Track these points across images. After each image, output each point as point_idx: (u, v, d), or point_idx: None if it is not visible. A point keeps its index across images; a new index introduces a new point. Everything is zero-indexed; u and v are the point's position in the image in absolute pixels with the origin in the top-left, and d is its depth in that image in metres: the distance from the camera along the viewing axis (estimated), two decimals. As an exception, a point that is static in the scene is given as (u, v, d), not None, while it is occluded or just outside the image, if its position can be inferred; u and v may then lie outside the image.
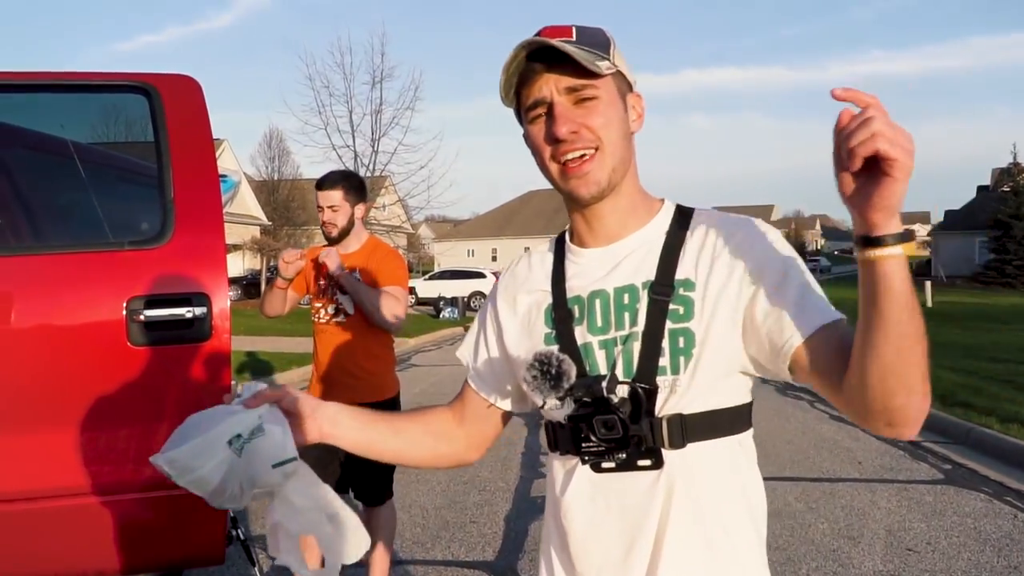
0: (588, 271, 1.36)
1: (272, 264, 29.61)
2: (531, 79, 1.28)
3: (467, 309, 27.38)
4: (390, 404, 3.46)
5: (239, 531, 3.01)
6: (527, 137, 1.34)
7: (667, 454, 1.25)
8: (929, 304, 25.40)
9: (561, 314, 1.35)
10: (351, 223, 3.54)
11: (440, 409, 1.55)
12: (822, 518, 5.08)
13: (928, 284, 27.47)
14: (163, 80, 2.69)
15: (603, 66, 1.25)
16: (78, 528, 2.51)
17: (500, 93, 1.32)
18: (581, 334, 1.33)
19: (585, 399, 1.21)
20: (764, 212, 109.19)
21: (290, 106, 33.92)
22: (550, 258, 1.44)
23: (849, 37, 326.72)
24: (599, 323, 1.32)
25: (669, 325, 1.26)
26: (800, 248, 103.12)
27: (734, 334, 1.26)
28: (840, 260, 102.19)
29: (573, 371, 1.20)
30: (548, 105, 1.27)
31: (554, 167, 1.30)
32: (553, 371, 1.20)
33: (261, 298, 3.93)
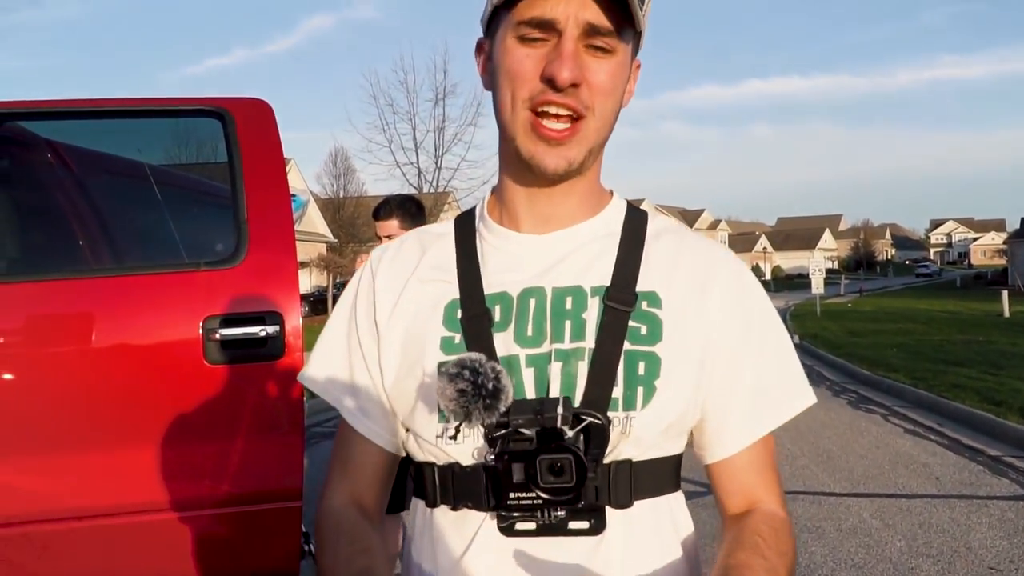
0: (519, 261, 1.04)
1: (339, 280, 30.08)
2: None
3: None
4: None
5: (311, 546, 3.05)
6: (500, 55, 0.98)
7: (610, 514, 0.95)
8: (1006, 314, 24.60)
9: (474, 313, 1.00)
10: None
11: (348, 512, 1.08)
12: (899, 535, 4.94)
13: (1005, 294, 26.61)
14: (237, 104, 2.77)
15: (640, 18, 0.96)
16: (156, 543, 2.57)
17: None
18: (504, 343, 0.99)
19: (524, 430, 0.89)
20: (832, 222, 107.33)
21: (355, 125, 34.36)
22: (451, 239, 1.09)
23: (917, 42, 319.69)
24: (529, 331, 0.99)
25: (627, 346, 0.98)
26: (870, 258, 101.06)
27: (698, 377, 1.02)
28: (912, 270, 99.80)
29: (511, 390, 0.90)
30: (556, 33, 0.94)
31: (524, 115, 0.96)
32: (490, 385, 0.88)
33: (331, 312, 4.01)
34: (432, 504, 1.01)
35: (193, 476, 2.54)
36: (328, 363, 1.12)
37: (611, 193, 1.12)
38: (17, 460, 2.45)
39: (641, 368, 0.97)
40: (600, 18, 0.93)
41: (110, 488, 2.50)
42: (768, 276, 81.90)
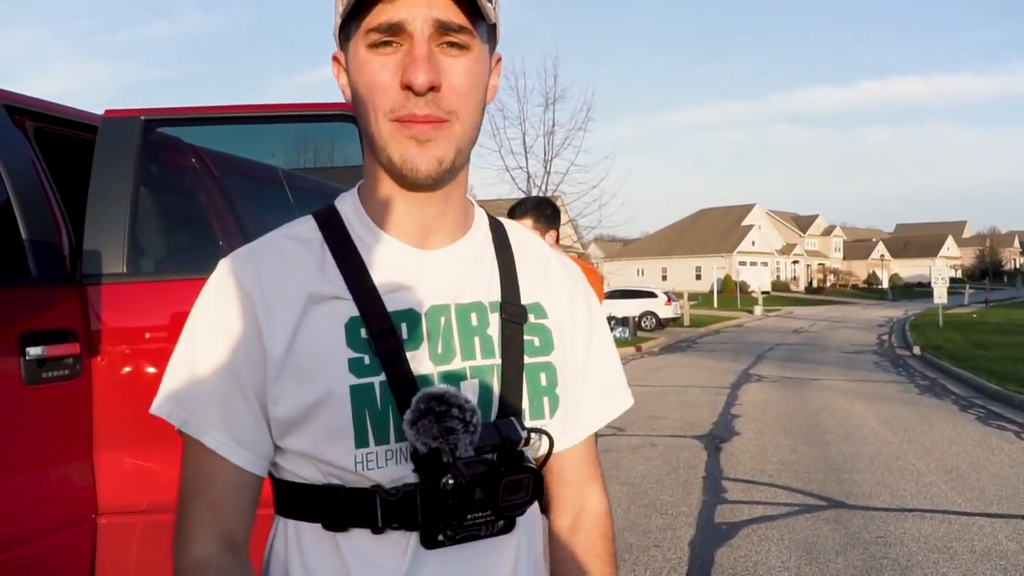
0: (418, 277, 1.00)
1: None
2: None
3: (637, 329, 27.13)
4: None
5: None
6: (356, 69, 0.95)
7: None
8: None
9: (381, 332, 0.95)
10: None
11: (224, 563, 0.97)
12: (1039, 560, 4.67)
13: None
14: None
15: (490, 11, 0.94)
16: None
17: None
18: (417, 362, 0.96)
19: (486, 454, 0.92)
20: (955, 229, 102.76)
21: (465, 130, 34.77)
22: (325, 250, 1.00)
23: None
24: (440, 349, 0.98)
25: (526, 359, 1.01)
26: (996, 267, 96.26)
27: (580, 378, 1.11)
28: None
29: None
30: (407, 36, 0.91)
31: (385, 125, 0.93)
32: (474, 420, 0.91)
33: None
34: (337, 527, 0.95)
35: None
36: (190, 390, 0.98)
37: (471, 201, 1.11)
38: (161, 452, 2.56)
39: (543, 379, 1.02)
40: (450, 14, 0.91)
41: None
42: (885, 284, 79.02)
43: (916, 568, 4.55)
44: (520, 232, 1.14)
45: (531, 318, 1.04)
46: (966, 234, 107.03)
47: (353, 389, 0.93)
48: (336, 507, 0.94)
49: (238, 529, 0.98)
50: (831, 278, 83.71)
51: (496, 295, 1.03)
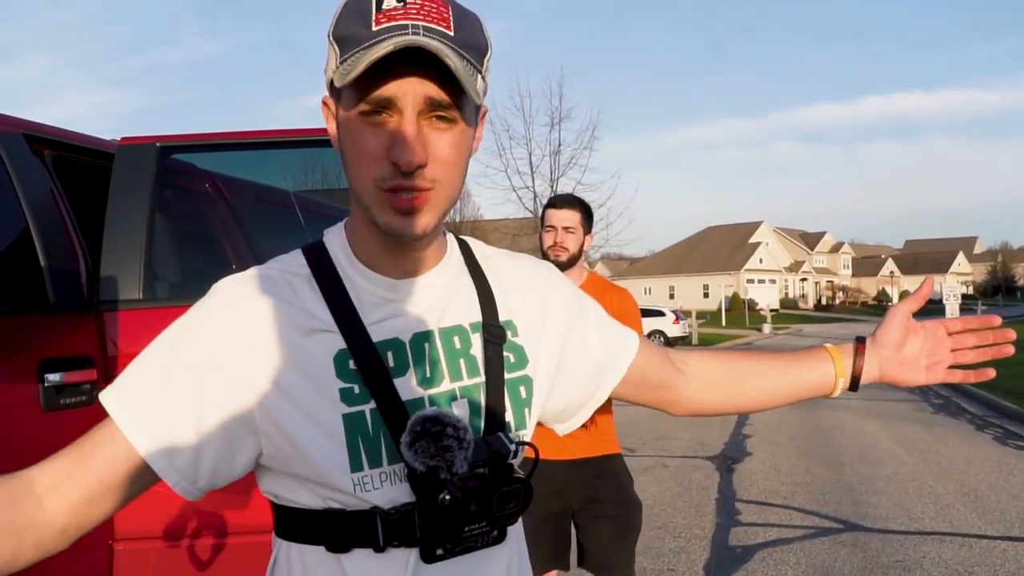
0: (399, 306, 1.04)
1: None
2: (386, 74, 0.92)
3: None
4: (618, 458, 3.14)
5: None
6: (347, 130, 0.97)
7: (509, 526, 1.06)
8: None
9: (367, 361, 0.99)
10: (580, 252, 3.12)
11: (27, 479, 0.95)
12: (1062, 584, 4.61)
13: None
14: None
15: (480, 88, 0.97)
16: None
17: (338, 70, 0.94)
18: (406, 387, 1.01)
19: (479, 468, 0.98)
20: (966, 244, 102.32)
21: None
22: (313, 284, 1.03)
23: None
24: (428, 373, 1.03)
25: (506, 375, 1.08)
26: (1009, 283, 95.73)
27: (553, 382, 1.17)
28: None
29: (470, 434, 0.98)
30: (396, 111, 0.94)
31: (376, 194, 0.96)
32: (468, 437, 0.96)
33: None
34: (341, 549, 0.99)
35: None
36: (149, 397, 0.98)
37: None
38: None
39: (522, 392, 1.10)
40: (438, 92, 0.94)
41: (255, 507, 2.56)
42: (895, 301, 78.54)
43: (936, 592, 4.48)
44: (482, 248, 1.19)
45: (508, 335, 1.11)
46: (977, 250, 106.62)
47: (346, 417, 0.98)
48: (338, 530, 1.00)
49: (88, 509, 0.96)
50: (840, 295, 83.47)
51: (476, 316, 1.09)
